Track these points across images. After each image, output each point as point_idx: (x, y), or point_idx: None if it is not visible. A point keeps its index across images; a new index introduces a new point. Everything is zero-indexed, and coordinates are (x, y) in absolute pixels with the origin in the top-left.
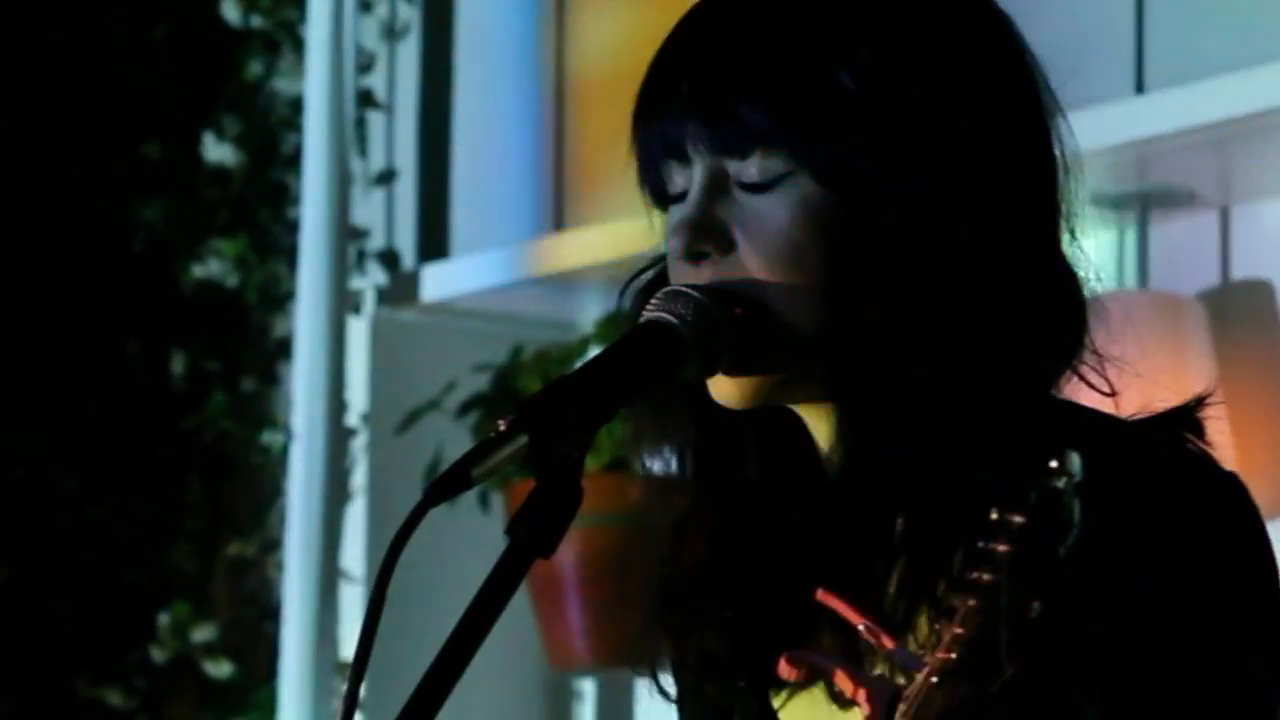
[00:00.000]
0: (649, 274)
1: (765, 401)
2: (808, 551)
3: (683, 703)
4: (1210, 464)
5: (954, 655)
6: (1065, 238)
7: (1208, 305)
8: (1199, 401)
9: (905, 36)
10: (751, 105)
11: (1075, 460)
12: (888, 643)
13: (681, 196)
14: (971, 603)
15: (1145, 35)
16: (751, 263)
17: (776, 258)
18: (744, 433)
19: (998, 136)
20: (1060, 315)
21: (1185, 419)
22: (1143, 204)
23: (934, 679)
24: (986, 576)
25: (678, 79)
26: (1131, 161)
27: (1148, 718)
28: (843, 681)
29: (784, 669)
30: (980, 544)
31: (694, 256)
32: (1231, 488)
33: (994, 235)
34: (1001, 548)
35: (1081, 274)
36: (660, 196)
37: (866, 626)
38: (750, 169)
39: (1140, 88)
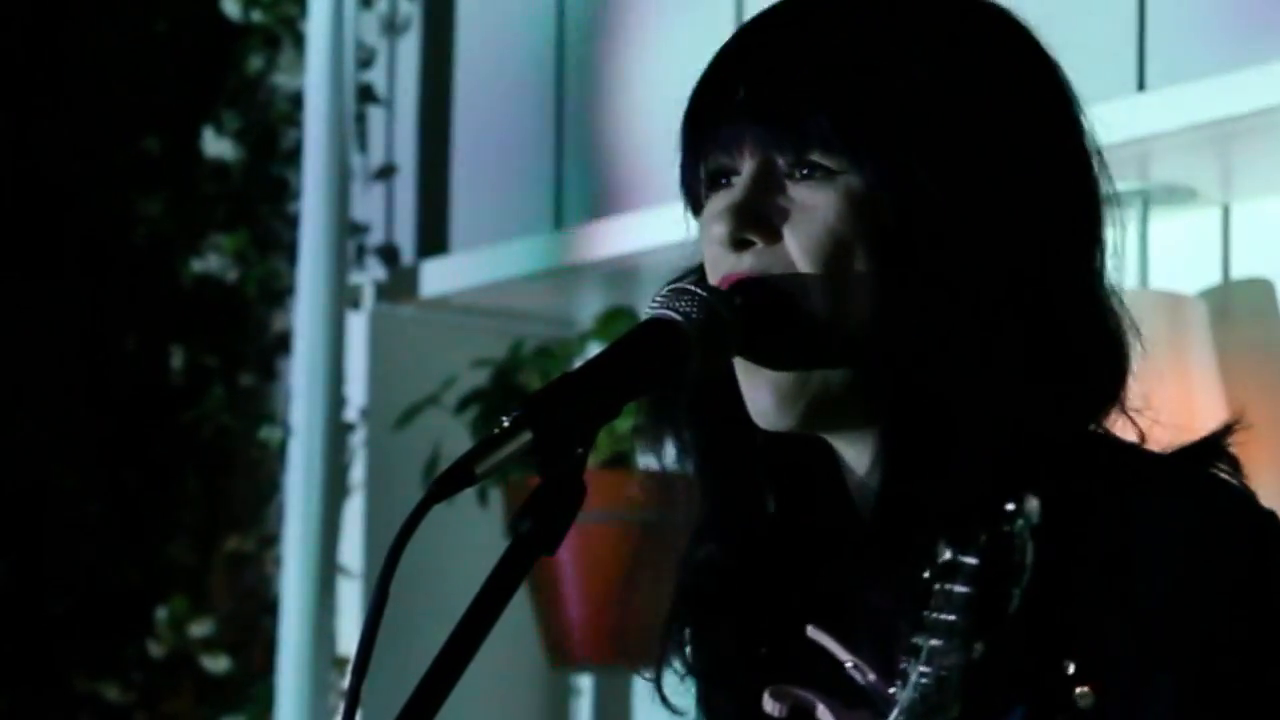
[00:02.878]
0: (687, 281)
1: (802, 424)
2: (829, 584)
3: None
4: (1248, 502)
5: (918, 695)
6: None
7: (1209, 303)
8: (1228, 429)
9: (959, 53)
10: (811, 108)
11: (1033, 504)
12: (874, 680)
13: (723, 185)
14: (934, 642)
15: (1146, 33)
16: (795, 254)
17: (820, 251)
18: (770, 453)
19: (1048, 157)
20: (1106, 350)
21: (1218, 450)
22: (1144, 202)
23: (902, 718)
24: (947, 616)
25: (735, 82)
26: (1132, 159)
27: None
28: (825, 717)
29: (768, 703)
30: (938, 585)
31: (738, 243)
32: (1271, 527)
33: (1043, 255)
34: (960, 589)
35: (1122, 311)
36: (697, 197)
37: (854, 664)
38: (802, 167)
39: (1141, 85)
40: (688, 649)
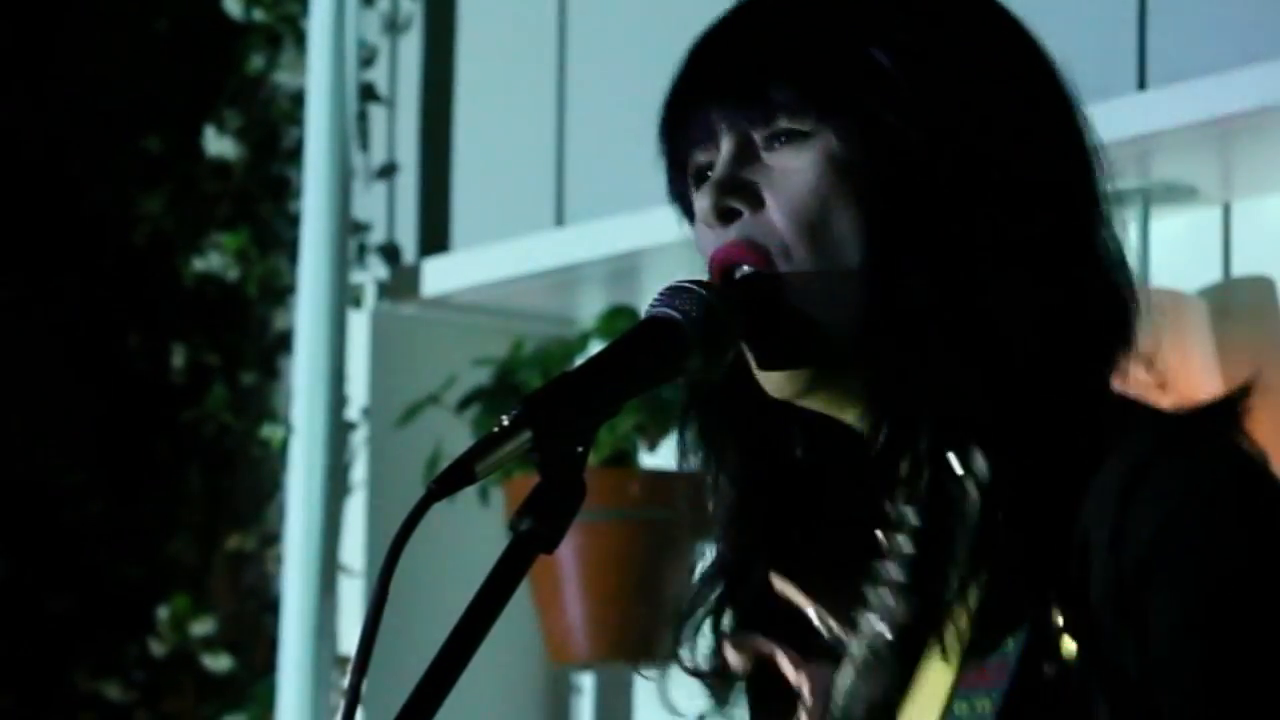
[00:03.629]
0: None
1: (805, 393)
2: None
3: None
4: (1247, 461)
5: (868, 649)
6: (1105, 229)
7: (1209, 301)
8: (1243, 393)
9: (934, 25)
10: (772, 74)
11: (980, 462)
12: (836, 629)
13: (708, 175)
14: (883, 594)
15: (1147, 31)
16: (779, 219)
17: (803, 212)
18: (788, 424)
19: (1026, 106)
20: (1107, 304)
21: (1226, 413)
22: (1144, 200)
23: (856, 670)
24: (893, 572)
25: (705, 69)
26: (1133, 157)
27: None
28: (785, 668)
29: (730, 655)
30: (884, 538)
31: (723, 214)
32: (1267, 486)
33: (1029, 210)
34: (905, 546)
35: (1127, 263)
36: (688, 202)
37: (816, 610)
38: (776, 127)
39: (1142, 83)
40: (696, 648)
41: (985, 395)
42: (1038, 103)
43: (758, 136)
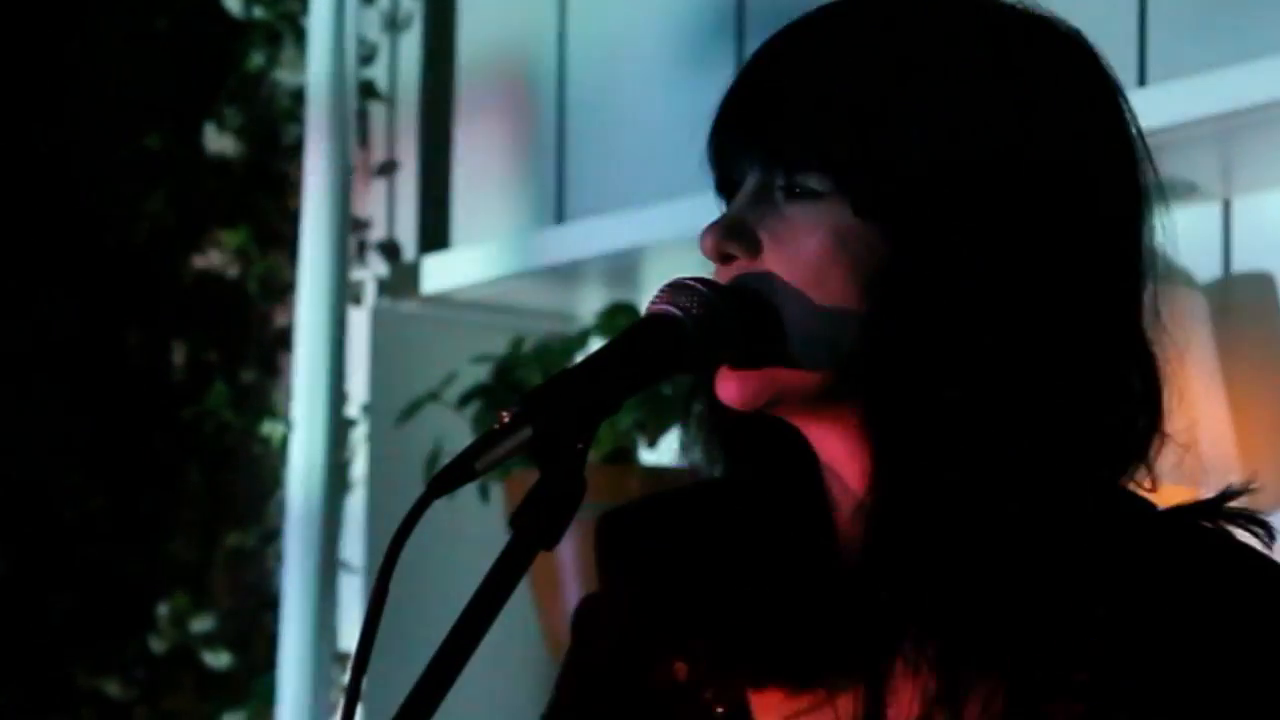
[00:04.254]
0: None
1: (767, 403)
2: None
3: None
4: (1264, 561)
5: None
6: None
7: (1209, 298)
8: (1245, 490)
9: (980, 79)
10: (797, 133)
11: None
12: None
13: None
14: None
15: (1147, 27)
16: (776, 270)
17: (800, 270)
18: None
19: (1073, 201)
20: (1136, 404)
21: (1234, 505)
22: None
23: None
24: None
25: (743, 100)
26: None
27: None
28: None
29: None
30: None
31: (720, 257)
32: None
33: (1056, 308)
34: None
35: (1158, 352)
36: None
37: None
38: (794, 180)
39: (1142, 80)
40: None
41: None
42: (1081, 176)
43: (779, 182)
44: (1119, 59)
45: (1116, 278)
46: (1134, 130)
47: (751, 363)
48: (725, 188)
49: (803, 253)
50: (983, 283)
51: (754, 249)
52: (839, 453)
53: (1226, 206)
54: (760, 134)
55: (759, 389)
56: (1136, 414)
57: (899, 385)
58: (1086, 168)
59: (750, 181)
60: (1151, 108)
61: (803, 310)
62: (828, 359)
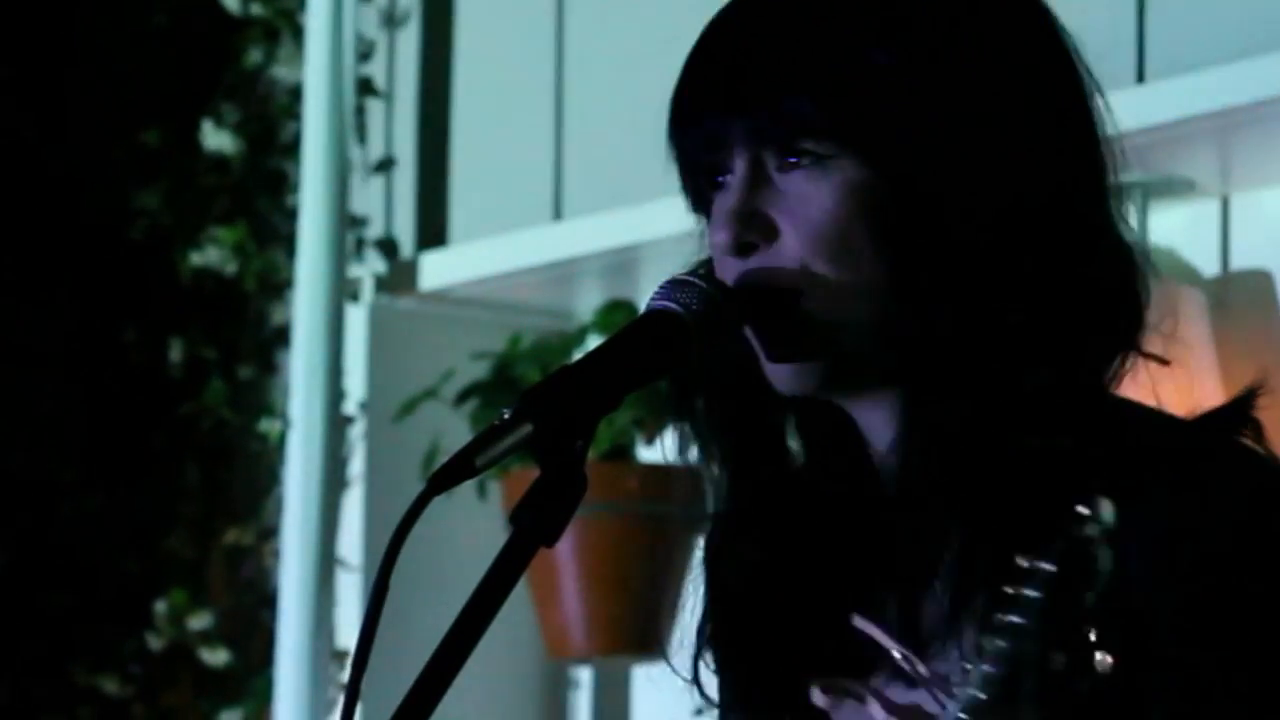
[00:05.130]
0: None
1: (818, 390)
2: (856, 559)
3: (726, 706)
4: (1270, 468)
5: (983, 695)
6: (1116, 215)
7: (1208, 294)
8: (1252, 394)
9: (940, 15)
10: (793, 94)
11: (1106, 507)
12: (924, 671)
13: (719, 183)
14: (1001, 644)
15: (1146, 24)
16: (796, 248)
17: (822, 241)
18: (791, 429)
19: (1040, 111)
20: (1118, 292)
21: (1241, 416)
22: (1143, 193)
23: (963, 715)
24: (1017, 620)
25: (714, 75)
26: (1131, 151)
27: None
28: (876, 710)
29: (818, 697)
30: (1010, 589)
31: (741, 249)
32: None
33: (1043, 209)
34: (1031, 594)
35: (1137, 249)
36: (701, 199)
37: (903, 655)
38: (789, 156)
39: (1141, 77)
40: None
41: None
42: (1052, 98)
43: (770, 154)
44: (1118, 56)
45: (1086, 176)
46: (1069, 46)
47: (783, 356)
48: (696, 178)
49: (823, 222)
50: (992, 207)
51: (771, 233)
52: (870, 405)
53: (1225, 204)
54: (754, 107)
55: (805, 377)
56: (1116, 306)
57: (942, 343)
58: (1045, 86)
59: (740, 165)
60: (1149, 105)
61: (827, 292)
62: (858, 337)
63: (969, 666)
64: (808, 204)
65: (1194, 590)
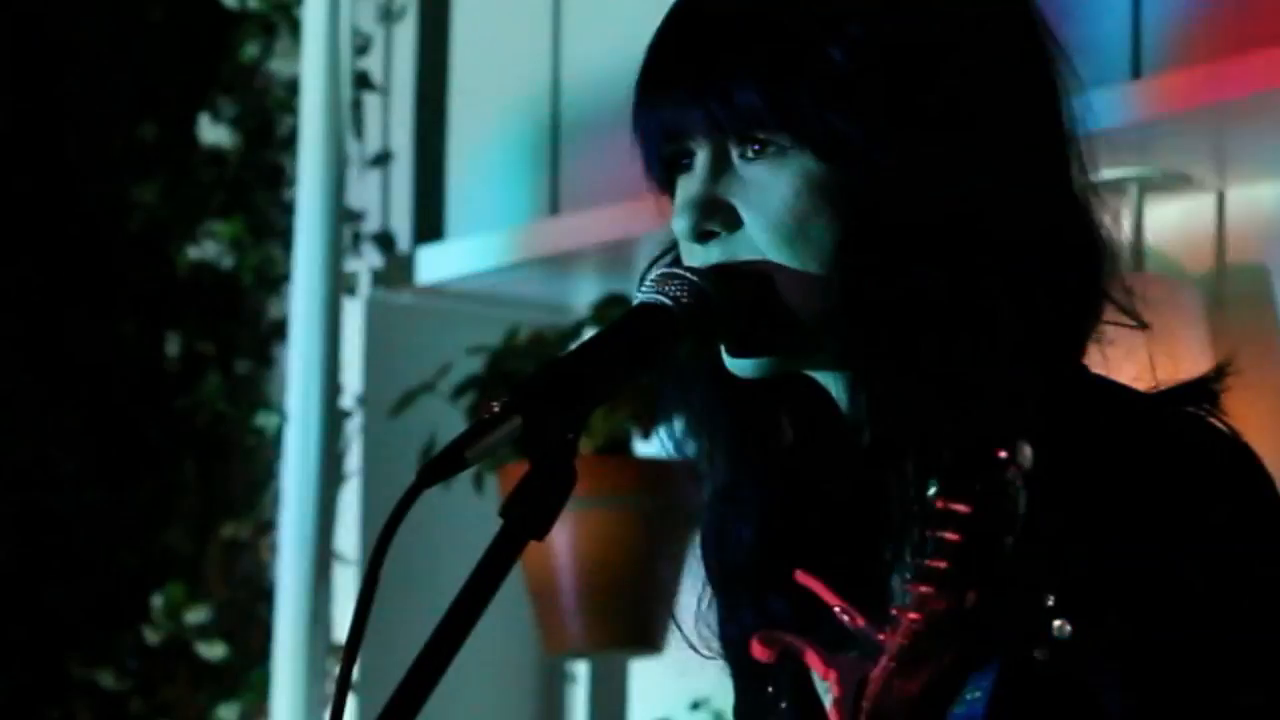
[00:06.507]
0: (668, 258)
1: (775, 372)
2: (845, 522)
3: (738, 679)
4: (1224, 437)
5: (908, 641)
6: (1079, 179)
7: (1203, 289)
8: (1219, 374)
9: (900, 11)
10: (745, 88)
11: (1026, 451)
12: (862, 624)
13: (684, 166)
14: (924, 589)
15: (1142, 19)
16: (758, 237)
17: (782, 231)
18: (777, 404)
19: (1002, 108)
20: (1073, 289)
21: (1202, 392)
22: (1139, 188)
23: (893, 665)
24: (939, 564)
25: (673, 65)
26: (1128, 146)
27: (1176, 692)
28: (814, 662)
29: (756, 649)
30: (930, 532)
31: (701, 236)
32: (1247, 460)
33: (997, 207)
34: (950, 536)
35: (1099, 217)
36: (665, 182)
37: (841, 607)
38: (751, 145)
39: (1137, 72)
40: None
41: (1002, 389)
42: (1008, 74)
43: (733, 143)
44: (1113, 51)
45: (1048, 145)
46: (1045, 43)
47: (751, 350)
48: (658, 164)
49: (781, 211)
50: (943, 205)
51: (733, 222)
52: (828, 377)
53: (1220, 198)
54: (711, 98)
55: (765, 365)
56: (1077, 271)
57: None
58: (1008, 84)
59: (702, 156)
60: (1145, 100)
61: (791, 276)
62: (814, 329)
63: (895, 613)
64: (767, 193)
65: (1113, 544)
